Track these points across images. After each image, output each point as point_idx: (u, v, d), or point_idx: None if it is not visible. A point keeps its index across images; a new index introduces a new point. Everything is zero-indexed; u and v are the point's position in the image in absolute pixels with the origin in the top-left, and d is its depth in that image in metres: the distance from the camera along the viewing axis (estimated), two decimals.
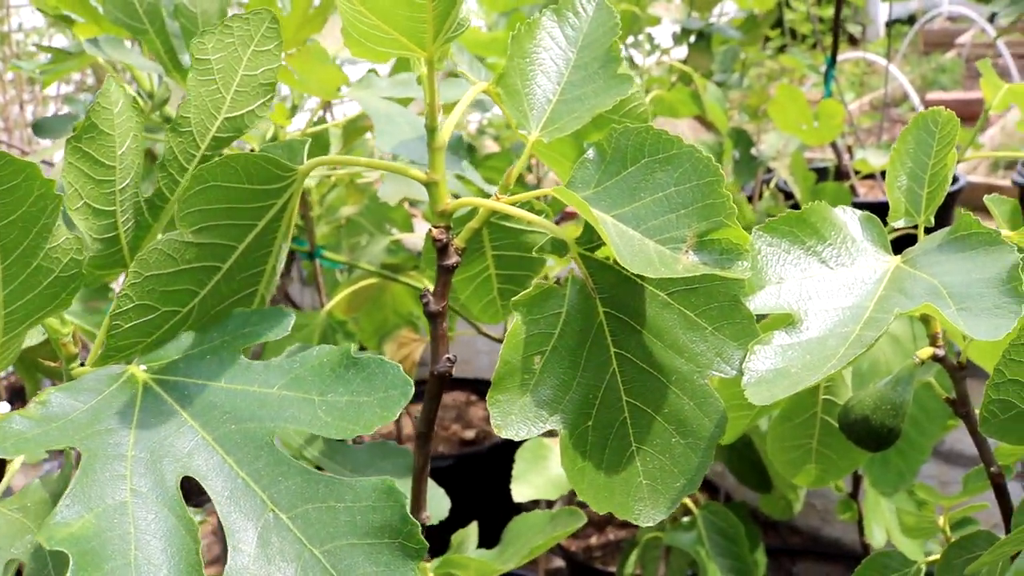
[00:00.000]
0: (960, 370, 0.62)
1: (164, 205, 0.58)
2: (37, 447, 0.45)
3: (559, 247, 0.54)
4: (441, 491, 0.75)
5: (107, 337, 0.52)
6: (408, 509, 0.44)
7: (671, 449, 0.52)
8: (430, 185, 0.55)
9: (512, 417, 0.51)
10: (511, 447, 2.00)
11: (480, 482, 1.97)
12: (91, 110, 0.53)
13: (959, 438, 1.86)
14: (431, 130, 0.55)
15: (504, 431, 0.51)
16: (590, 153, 0.52)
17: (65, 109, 2.68)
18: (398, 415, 0.45)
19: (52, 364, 0.57)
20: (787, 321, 0.54)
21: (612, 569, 1.69)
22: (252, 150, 0.98)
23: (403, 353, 1.48)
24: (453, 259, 0.55)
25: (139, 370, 0.51)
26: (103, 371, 0.51)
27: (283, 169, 0.54)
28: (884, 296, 0.55)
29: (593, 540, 2.20)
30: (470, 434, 2.21)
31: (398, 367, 0.46)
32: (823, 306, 0.54)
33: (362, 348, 1.57)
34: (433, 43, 0.52)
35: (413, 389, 0.46)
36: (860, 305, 0.54)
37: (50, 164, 1.38)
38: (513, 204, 0.54)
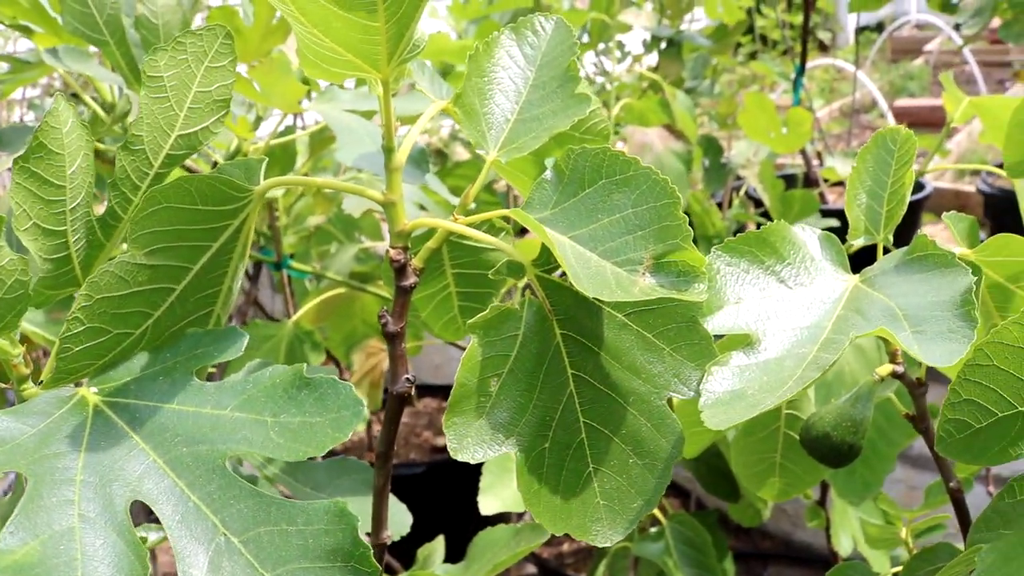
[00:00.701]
0: (919, 387, 0.62)
1: (117, 224, 0.58)
2: None
3: (515, 269, 0.54)
4: (403, 506, 0.74)
5: (56, 360, 0.51)
6: (363, 530, 0.44)
7: (628, 470, 0.52)
8: (387, 205, 0.55)
9: (468, 440, 0.51)
10: None
11: (451, 489, 1.97)
12: (39, 130, 0.53)
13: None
14: (388, 150, 0.55)
15: (460, 454, 0.51)
16: (548, 174, 0.52)
17: (31, 115, 2.64)
18: (350, 435, 0.45)
19: (3, 385, 0.56)
20: (745, 342, 0.54)
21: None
22: (215, 162, 0.97)
23: (372, 363, 1.47)
24: (411, 279, 0.54)
25: (90, 392, 0.50)
26: (52, 393, 0.50)
27: (238, 190, 0.54)
28: (842, 316, 0.55)
29: (565, 547, 2.20)
30: (442, 441, 2.20)
31: (350, 387, 0.46)
32: (781, 326, 0.55)
33: (330, 357, 1.56)
34: (388, 65, 0.51)
35: (366, 409, 0.45)
36: (818, 325, 0.55)
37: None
38: (471, 224, 0.54)
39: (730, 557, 1.37)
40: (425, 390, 2.37)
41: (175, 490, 0.45)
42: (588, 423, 0.53)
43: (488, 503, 1.06)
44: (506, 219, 0.59)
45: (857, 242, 0.63)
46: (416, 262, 0.55)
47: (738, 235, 0.58)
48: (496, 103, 0.56)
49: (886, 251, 0.62)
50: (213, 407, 0.48)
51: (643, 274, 0.48)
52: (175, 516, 0.44)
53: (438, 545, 0.95)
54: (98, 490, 0.45)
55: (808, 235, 0.60)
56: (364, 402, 0.45)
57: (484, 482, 1.09)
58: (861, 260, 0.61)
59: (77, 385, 0.52)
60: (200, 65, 0.56)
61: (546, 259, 0.53)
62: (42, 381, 0.53)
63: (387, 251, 0.54)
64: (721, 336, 0.56)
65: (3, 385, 0.57)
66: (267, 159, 0.56)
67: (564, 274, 0.53)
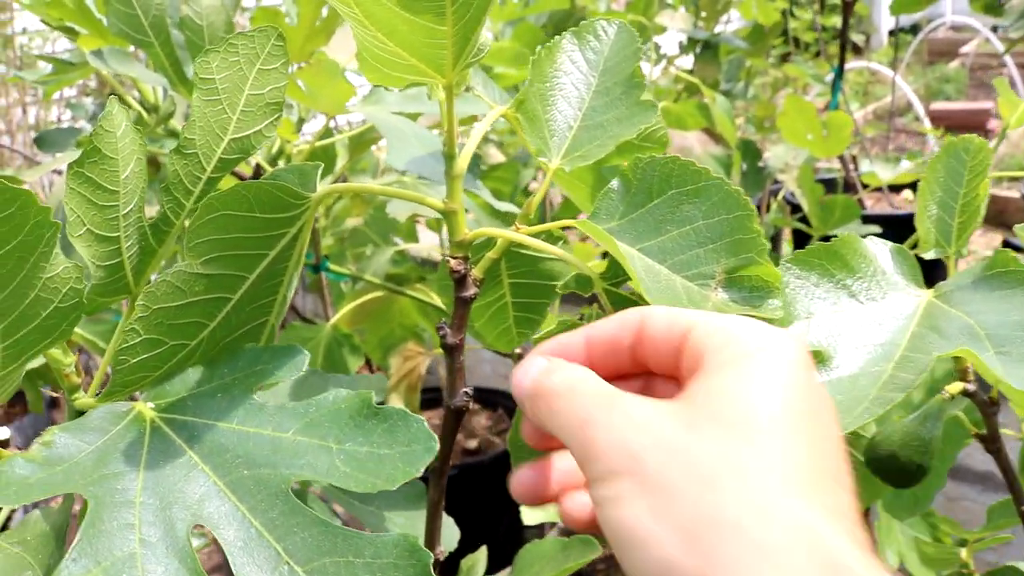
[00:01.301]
0: (991, 406, 0.60)
1: (169, 229, 0.57)
2: (41, 493, 0.43)
3: (583, 283, 0.52)
4: (450, 520, 0.73)
5: (113, 373, 0.50)
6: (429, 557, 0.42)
7: None
8: (448, 214, 0.53)
9: None
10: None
11: (483, 492, 1.95)
12: (94, 134, 0.52)
13: (968, 454, 1.85)
14: (450, 157, 0.53)
15: None
16: (614, 184, 0.50)
17: (68, 114, 2.66)
18: (421, 471, 0.43)
19: (54, 394, 0.55)
20: (816, 359, 0.52)
21: None
22: (257, 166, 0.96)
23: (408, 366, 1.46)
24: (472, 291, 0.53)
25: (146, 407, 0.49)
26: (108, 408, 0.49)
27: (295, 197, 0.52)
28: (917, 333, 0.53)
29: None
30: (473, 444, 2.19)
31: (422, 420, 0.44)
32: (853, 343, 0.53)
33: (368, 362, 1.55)
34: (453, 69, 0.50)
35: (438, 444, 0.43)
36: (892, 342, 0.53)
37: (60, 174, 1.36)
38: (533, 234, 0.52)
39: None
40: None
41: (237, 514, 0.43)
42: None
43: (531, 513, 1.04)
44: (565, 228, 0.57)
45: (928, 255, 0.61)
46: (477, 272, 0.53)
47: (807, 247, 0.56)
48: (559, 109, 0.55)
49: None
50: (274, 429, 0.46)
51: (715, 289, 0.47)
52: (237, 542, 0.42)
53: (481, 556, 0.94)
54: (158, 513, 0.43)
55: (879, 247, 0.57)
56: (436, 437, 0.44)
57: None
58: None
59: (132, 399, 0.51)
60: (252, 67, 0.55)
61: (613, 272, 0.51)
62: (99, 394, 0.52)
63: (447, 260, 0.52)
64: None
65: (54, 393, 0.56)
66: (322, 165, 0.55)
67: (630, 287, 0.51)
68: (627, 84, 0.55)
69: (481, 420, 2.29)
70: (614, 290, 0.52)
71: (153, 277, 0.55)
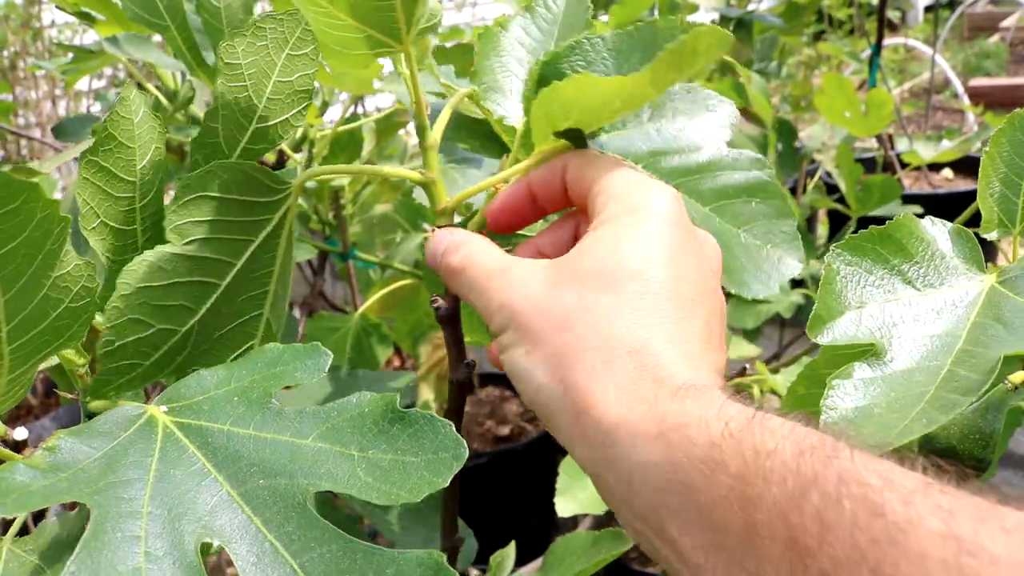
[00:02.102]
0: None
1: None
2: (43, 501, 0.40)
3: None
4: (469, 531, 0.70)
5: (101, 355, 0.47)
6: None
7: None
8: (427, 185, 0.53)
9: None
10: (546, 443, 1.96)
11: (515, 479, 1.93)
12: (108, 120, 0.49)
13: (1017, 440, 1.79)
14: (421, 128, 0.53)
15: None
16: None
17: (97, 106, 2.66)
18: (448, 481, 0.40)
19: (69, 396, 0.53)
20: (870, 352, 0.49)
21: (650, 570, 1.65)
22: (280, 152, 0.93)
23: (439, 355, 1.44)
24: None
25: (159, 411, 0.46)
26: (119, 411, 0.46)
27: (275, 181, 0.51)
28: (978, 323, 0.49)
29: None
30: (505, 430, 2.17)
31: (450, 425, 0.41)
32: (910, 334, 0.49)
33: (397, 350, 1.53)
34: (408, 35, 0.50)
35: (467, 451, 0.40)
36: (951, 333, 0.49)
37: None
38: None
39: None
40: (488, 379, 2.34)
41: (250, 528, 0.40)
42: None
43: (565, 505, 1.02)
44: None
45: (991, 236, 0.57)
46: None
47: (860, 232, 0.52)
48: (518, 76, 0.56)
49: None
50: (292, 435, 0.43)
51: None
52: (250, 558, 0.39)
53: (510, 551, 0.91)
54: (167, 525, 0.40)
55: (938, 229, 0.54)
56: (464, 444, 0.41)
57: (560, 483, 1.05)
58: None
59: (146, 401, 0.48)
60: (281, 52, 0.52)
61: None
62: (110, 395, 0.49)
63: (432, 231, 0.51)
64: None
65: (70, 396, 0.54)
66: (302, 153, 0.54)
67: None
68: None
69: (512, 407, 2.26)
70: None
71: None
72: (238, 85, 0.52)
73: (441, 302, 0.53)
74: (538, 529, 1.95)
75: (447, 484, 0.40)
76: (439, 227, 0.52)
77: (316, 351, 0.48)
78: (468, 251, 0.48)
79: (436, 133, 0.54)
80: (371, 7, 0.49)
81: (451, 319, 0.53)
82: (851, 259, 0.52)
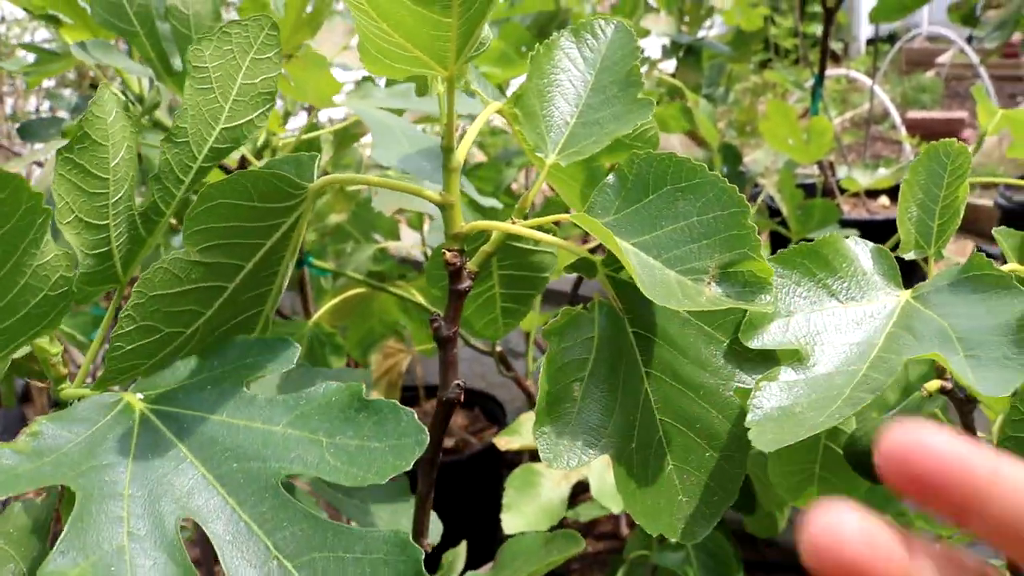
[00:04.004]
0: (968, 403, 0.62)
1: (159, 219, 0.57)
2: (29, 484, 0.43)
3: (588, 268, 0.53)
4: (434, 514, 0.73)
5: (107, 360, 0.50)
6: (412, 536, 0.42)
7: (705, 463, 0.51)
8: (445, 207, 0.53)
9: (561, 447, 0.51)
10: (491, 455, 1.99)
11: (461, 491, 1.96)
12: (84, 119, 0.51)
13: None
14: (447, 150, 0.54)
15: (555, 463, 0.50)
16: (610, 179, 0.51)
17: (47, 104, 2.63)
18: (411, 464, 0.43)
19: (40, 384, 0.55)
20: (794, 357, 0.53)
21: None
22: (243, 158, 0.96)
23: (388, 364, 1.46)
24: (466, 283, 0.53)
25: (135, 398, 0.49)
26: (97, 399, 0.48)
27: (294, 187, 0.53)
28: (892, 334, 0.54)
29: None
30: (449, 443, 2.19)
31: (412, 413, 0.44)
32: (832, 341, 0.54)
33: (349, 358, 1.55)
34: (455, 62, 0.50)
35: (428, 437, 0.44)
36: (868, 342, 0.54)
37: (41, 165, 1.35)
38: (531, 227, 0.53)
39: (742, 569, 1.36)
40: (433, 391, 2.37)
41: (226, 508, 0.43)
42: (664, 420, 0.52)
43: (511, 521, 1.04)
44: (557, 223, 0.58)
45: (908, 256, 0.62)
46: (471, 266, 0.54)
47: (790, 247, 0.57)
48: (556, 105, 0.56)
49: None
50: (264, 422, 0.46)
51: (709, 284, 0.47)
52: (226, 536, 0.42)
53: (461, 550, 0.94)
54: (147, 506, 0.43)
55: (860, 247, 0.58)
56: (425, 430, 0.44)
57: (507, 498, 1.07)
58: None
59: (122, 389, 0.51)
60: (245, 56, 0.55)
61: (613, 259, 0.53)
62: (87, 383, 0.52)
63: (442, 252, 0.53)
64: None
65: (41, 384, 0.56)
66: (319, 155, 0.55)
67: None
68: (625, 82, 0.56)
69: (457, 419, 2.29)
70: (615, 275, 0.53)
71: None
72: (205, 87, 0.54)
73: (441, 322, 0.54)
74: (483, 540, 1.98)
75: (409, 467, 0.43)
76: (450, 250, 0.53)
77: (285, 344, 0.51)
78: None
79: (460, 156, 0.54)
80: (425, 33, 0.49)
81: (449, 340, 0.54)
82: (782, 271, 0.56)
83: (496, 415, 2.18)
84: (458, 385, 0.54)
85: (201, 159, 0.56)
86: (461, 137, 0.56)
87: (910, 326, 0.54)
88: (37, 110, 2.73)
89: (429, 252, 1.50)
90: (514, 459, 1.85)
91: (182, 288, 0.50)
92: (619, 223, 0.50)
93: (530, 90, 0.56)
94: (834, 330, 0.54)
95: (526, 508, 1.09)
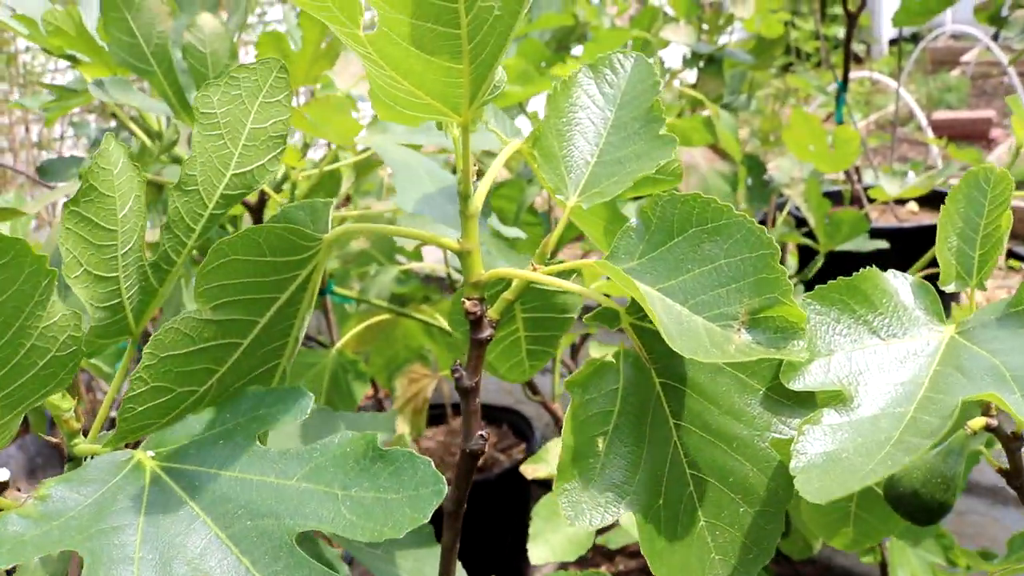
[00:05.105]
0: (1015, 441, 0.59)
1: (170, 268, 0.55)
2: (35, 551, 0.42)
3: (610, 317, 0.51)
4: (459, 565, 0.71)
5: (119, 421, 0.48)
6: None
7: (739, 519, 0.49)
8: (463, 254, 0.52)
9: (583, 505, 0.49)
10: (520, 474, 1.97)
11: (490, 510, 1.94)
12: (89, 171, 0.50)
13: (978, 467, 1.83)
14: (464, 196, 0.52)
15: (577, 521, 0.48)
16: (633, 222, 0.49)
17: (71, 131, 2.65)
18: (429, 517, 0.42)
19: (54, 440, 0.53)
20: (837, 399, 0.51)
21: None
22: (262, 193, 0.95)
23: (414, 389, 1.45)
24: (487, 332, 0.52)
25: (146, 456, 0.48)
26: (107, 458, 0.47)
27: (307, 239, 0.51)
28: (939, 372, 0.52)
29: (604, 568, 2.16)
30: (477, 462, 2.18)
31: (429, 462, 0.43)
32: (875, 382, 0.51)
33: (373, 384, 1.53)
34: (469, 108, 0.49)
35: (446, 487, 0.42)
36: (914, 381, 0.51)
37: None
38: (550, 274, 0.51)
39: None
40: (460, 409, 2.35)
41: (240, 568, 0.42)
42: (694, 474, 0.50)
43: (538, 551, 1.02)
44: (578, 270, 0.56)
45: (949, 288, 0.60)
46: (492, 314, 0.52)
47: (829, 282, 0.54)
48: (575, 145, 0.54)
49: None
50: (277, 476, 0.45)
51: (738, 330, 0.45)
52: None
53: None
54: (158, 569, 0.42)
55: (900, 282, 0.56)
56: (443, 479, 0.42)
57: (534, 528, 1.05)
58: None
59: (133, 447, 0.50)
60: (254, 100, 0.54)
61: (638, 307, 0.50)
62: (104, 435, 0.50)
63: (462, 301, 0.51)
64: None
65: (54, 440, 0.55)
66: (334, 201, 0.54)
67: None
68: (646, 119, 0.54)
69: None
70: (640, 324, 0.51)
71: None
72: (214, 134, 0.53)
73: (463, 372, 0.53)
74: (510, 558, 1.96)
75: (427, 519, 0.42)
76: (469, 299, 0.52)
77: (298, 393, 0.50)
78: None
79: (478, 202, 0.53)
80: (436, 80, 0.48)
81: (471, 391, 0.53)
82: (820, 308, 0.54)
83: (524, 431, 2.16)
84: (482, 436, 0.52)
85: (212, 207, 0.55)
86: (478, 175, 0.54)
87: (958, 364, 0.51)
88: (62, 136, 2.75)
89: (452, 272, 1.49)
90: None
91: (195, 347, 0.49)
92: (643, 268, 0.48)
93: (549, 130, 0.54)
94: (877, 369, 0.52)
95: (553, 538, 1.07)
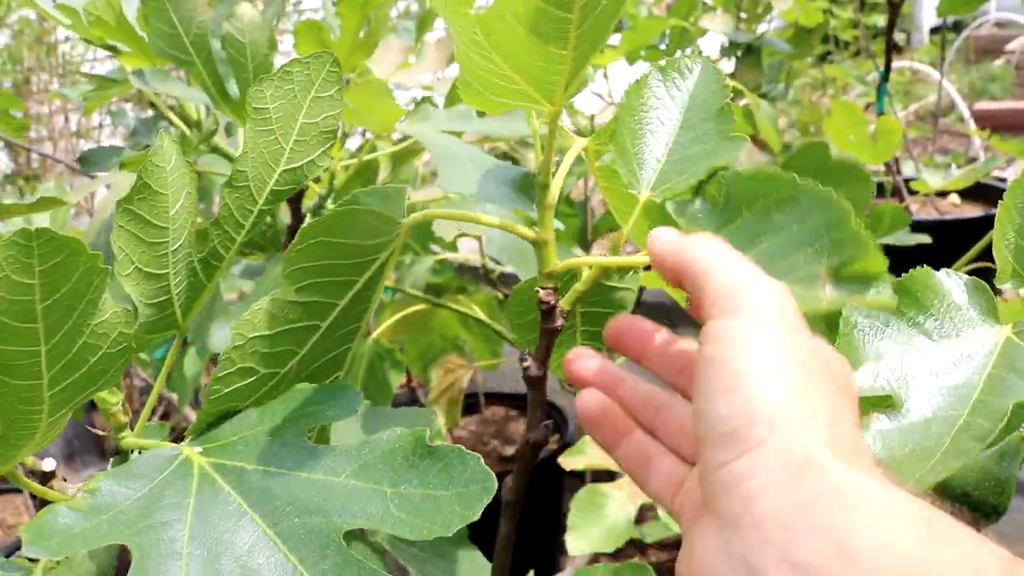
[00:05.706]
0: None
1: (219, 264, 0.55)
2: (84, 544, 0.42)
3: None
4: (481, 558, 0.71)
5: (205, 403, 0.49)
6: None
7: None
8: (539, 244, 0.52)
9: None
10: (553, 463, 1.97)
11: (525, 500, 1.93)
12: (143, 170, 0.50)
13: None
14: (543, 186, 0.53)
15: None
16: (698, 204, 0.49)
17: (108, 120, 2.68)
18: (479, 514, 0.41)
19: (101, 433, 0.54)
20: (886, 403, 0.50)
21: None
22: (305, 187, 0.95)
23: (450, 379, 1.45)
24: (559, 322, 0.52)
25: (194, 452, 0.48)
26: (156, 452, 0.47)
27: (388, 223, 0.51)
28: (994, 375, 0.50)
29: (636, 560, 2.15)
30: (510, 450, 2.18)
31: (478, 458, 0.42)
32: (926, 385, 0.50)
33: (408, 375, 1.54)
34: (562, 96, 0.49)
35: (495, 484, 0.42)
36: (967, 384, 0.50)
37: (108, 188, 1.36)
38: (623, 265, 0.52)
39: None
40: (491, 398, 2.35)
41: (287, 566, 0.42)
42: None
43: (576, 543, 1.01)
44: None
45: (1006, 287, 0.58)
46: (564, 305, 0.52)
47: None
48: (646, 144, 0.54)
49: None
50: (326, 473, 0.45)
51: (823, 287, 0.44)
52: None
53: None
54: (206, 565, 0.42)
55: (953, 281, 0.55)
56: (493, 476, 0.42)
57: (571, 520, 1.04)
58: None
59: (178, 441, 0.50)
60: (307, 95, 0.54)
61: None
62: (152, 425, 0.51)
63: (536, 290, 0.52)
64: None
65: (102, 432, 0.56)
66: (407, 187, 0.54)
67: None
68: (716, 119, 0.54)
69: (518, 427, 2.27)
70: None
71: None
72: (266, 129, 0.53)
73: (532, 362, 0.53)
74: (544, 549, 1.95)
75: (477, 517, 0.41)
76: (543, 288, 0.52)
77: (346, 390, 0.50)
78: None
79: (555, 191, 0.54)
80: (536, 66, 0.48)
81: (539, 380, 0.53)
82: (868, 311, 0.53)
83: (558, 422, 2.15)
84: (546, 426, 0.52)
85: (261, 202, 0.55)
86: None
87: (1013, 365, 0.50)
88: (100, 125, 2.78)
89: (488, 262, 1.49)
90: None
91: (280, 328, 0.50)
92: None
93: (622, 128, 0.54)
94: (928, 373, 0.51)
95: (591, 530, 1.07)
